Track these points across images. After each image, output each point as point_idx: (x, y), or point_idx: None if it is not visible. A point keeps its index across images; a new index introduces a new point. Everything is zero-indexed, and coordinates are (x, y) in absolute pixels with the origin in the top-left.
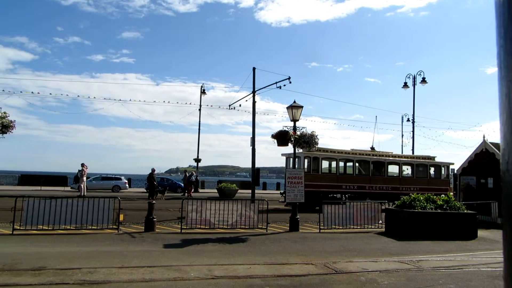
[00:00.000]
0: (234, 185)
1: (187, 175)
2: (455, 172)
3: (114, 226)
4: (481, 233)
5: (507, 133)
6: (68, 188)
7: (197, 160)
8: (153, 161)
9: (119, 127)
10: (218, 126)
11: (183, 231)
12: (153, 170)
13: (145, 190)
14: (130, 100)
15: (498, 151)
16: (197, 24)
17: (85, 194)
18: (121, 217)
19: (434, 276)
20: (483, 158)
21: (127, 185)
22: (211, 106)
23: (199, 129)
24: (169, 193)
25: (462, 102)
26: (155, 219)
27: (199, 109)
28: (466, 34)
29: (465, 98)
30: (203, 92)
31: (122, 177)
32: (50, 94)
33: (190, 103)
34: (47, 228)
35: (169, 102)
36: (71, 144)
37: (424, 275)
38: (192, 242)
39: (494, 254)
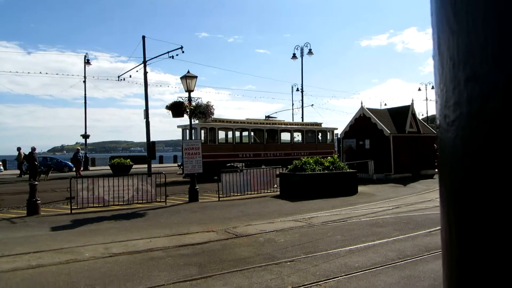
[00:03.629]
0: (129, 160)
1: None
2: (339, 136)
3: None
4: (361, 188)
5: (438, 85)
6: None
7: (85, 136)
8: (33, 139)
9: None
10: (106, 100)
11: (73, 211)
12: (33, 148)
13: (25, 172)
14: None
15: (374, 116)
16: None
17: None
18: None
19: (323, 230)
20: (361, 122)
21: (1, 167)
22: (98, 78)
23: (85, 103)
24: (55, 173)
25: (342, 72)
26: (39, 202)
27: (84, 81)
28: (343, 9)
29: (345, 68)
30: (87, 62)
31: None
32: None
33: (72, 75)
34: None
35: (46, 73)
36: None
37: (315, 230)
38: (85, 222)
39: (371, 206)
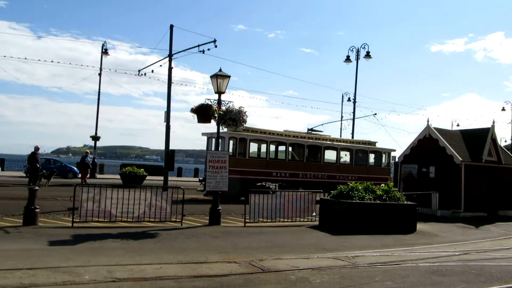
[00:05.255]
0: (142, 170)
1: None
2: (397, 160)
3: None
4: (420, 226)
5: None
6: None
7: (95, 138)
8: (36, 137)
9: None
10: (122, 97)
11: (75, 225)
12: (36, 148)
13: (25, 175)
14: (4, 56)
15: (442, 138)
16: None
17: None
18: None
19: (370, 273)
20: (426, 145)
21: None
22: (114, 71)
23: (98, 99)
24: (57, 178)
25: (406, 81)
26: (38, 210)
27: (99, 74)
28: (411, 6)
29: (409, 77)
30: (105, 52)
31: None
32: None
33: (87, 66)
34: None
35: (58, 62)
36: None
37: (359, 272)
38: (87, 238)
39: (432, 248)
